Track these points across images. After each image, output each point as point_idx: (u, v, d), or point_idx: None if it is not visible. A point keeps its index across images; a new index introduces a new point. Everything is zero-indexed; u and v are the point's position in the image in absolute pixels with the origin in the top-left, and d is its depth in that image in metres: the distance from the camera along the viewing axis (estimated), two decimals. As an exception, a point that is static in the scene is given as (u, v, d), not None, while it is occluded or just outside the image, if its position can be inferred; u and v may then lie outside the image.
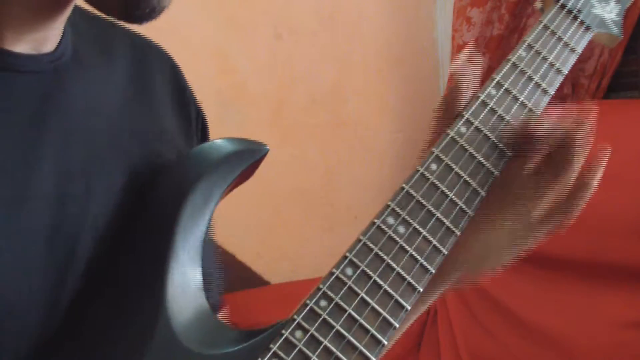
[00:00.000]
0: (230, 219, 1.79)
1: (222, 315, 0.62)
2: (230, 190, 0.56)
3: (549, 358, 1.45)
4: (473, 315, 1.63)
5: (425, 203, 0.53)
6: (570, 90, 1.86)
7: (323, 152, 1.94)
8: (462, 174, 0.55)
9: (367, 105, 2.03)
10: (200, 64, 1.72)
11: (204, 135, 0.67)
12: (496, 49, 1.90)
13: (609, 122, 1.61)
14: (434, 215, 0.53)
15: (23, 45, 0.48)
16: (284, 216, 1.89)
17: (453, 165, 0.55)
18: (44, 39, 0.50)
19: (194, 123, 0.65)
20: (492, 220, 0.58)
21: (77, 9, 0.54)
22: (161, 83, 0.62)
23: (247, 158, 0.56)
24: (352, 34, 1.99)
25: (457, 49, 1.95)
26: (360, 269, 0.50)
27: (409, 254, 0.52)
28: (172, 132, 0.61)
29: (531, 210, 0.57)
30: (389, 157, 2.02)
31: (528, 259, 1.76)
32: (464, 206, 0.54)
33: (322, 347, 0.47)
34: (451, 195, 0.54)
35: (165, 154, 0.58)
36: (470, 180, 0.55)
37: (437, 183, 0.54)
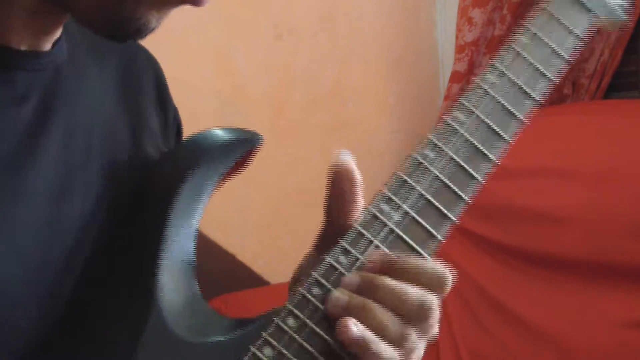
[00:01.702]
0: (231, 220, 1.79)
1: None
2: (225, 180, 0.56)
3: (549, 358, 1.45)
4: (473, 315, 1.63)
5: (419, 189, 0.53)
6: (571, 90, 1.86)
7: (323, 152, 1.94)
8: (458, 160, 0.54)
9: (367, 105, 2.03)
10: (200, 64, 1.72)
11: (179, 136, 0.67)
12: (497, 50, 1.89)
13: (609, 122, 1.61)
14: (428, 200, 0.52)
15: (26, 44, 0.50)
16: (284, 216, 1.89)
17: (448, 151, 0.54)
18: (45, 39, 0.51)
19: (171, 124, 0.65)
20: None
21: None
22: (146, 83, 0.63)
23: (242, 147, 0.56)
24: (352, 34, 1.99)
25: (458, 49, 1.95)
26: (353, 257, 0.50)
27: (404, 241, 0.51)
28: (155, 130, 0.61)
29: None
30: (389, 157, 2.02)
31: (528, 259, 1.76)
32: (459, 192, 0.53)
33: (315, 334, 0.47)
34: (445, 180, 0.53)
35: (150, 151, 0.59)
36: (464, 165, 0.54)
37: (431, 168, 0.53)
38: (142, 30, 0.47)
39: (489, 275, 1.63)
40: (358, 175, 0.52)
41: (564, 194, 1.53)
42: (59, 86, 0.52)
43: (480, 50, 1.94)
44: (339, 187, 0.52)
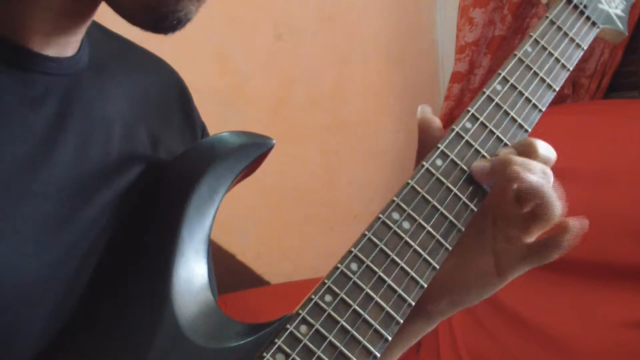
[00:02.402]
0: (231, 219, 1.79)
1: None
2: (236, 183, 0.57)
3: (549, 358, 1.45)
4: (473, 315, 1.63)
5: (430, 199, 0.54)
6: (571, 91, 1.86)
7: (323, 152, 1.94)
8: (466, 169, 0.55)
9: (367, 105, 2.03)
10: (200, 64, 1.72)
11: None
12: (497, 50, 1.89)
13: (609, 122, 1.61)
14: (438, 210, 0.54)
15: (49, 49, 0.50)
16: (284, 216, 1.89)
17: (458, 161, 0.55)
18: (67, 44, 0.52)
19: (199, 139, 0.66)
20: (483, 243, 0.58)
21: (96, 25, 0.56)
22: (173, 100, 0.64)
23: (253, 151, 0.57)
24: (352, 34, 1.99)
25: (459, 49, 1.95)
26: (365, 264, 0.50)
27: (412, 249, 0.52)
28: (181, 146, 0.62)
29: (522, 238, 0.56)
30: (389, 157, 2.02)
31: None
32: (467, 202, 0.55)
33: (327, 342, 0.47)
34: (455, 190, 0.54)
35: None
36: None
37: (442, 179, 0.55)
38: (183, 22, 0.48)
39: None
40: (438, 122, 0.59)
41: (563, 194, 1.53)
42: (78, 91, 0.52)
43: (480, 51, 1.94)
44: (427, 134, 0.58)
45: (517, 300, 1.56)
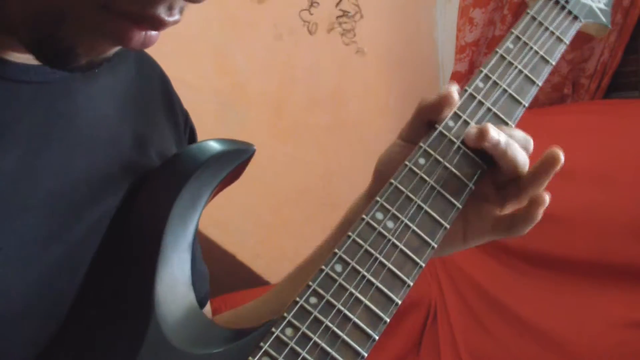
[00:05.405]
0: (231, 219, 1.79)
1: (207, 309, 0.63)
2: (219, 190, 0.57)
3: (549, 358, 1.45)
4: (473, 315, 1.63)
5: (414, 197, 0.54)
6: (571, 91, 1.86)
7: (323, 153, 1.94)
8: (449, 167, 0.55)
9: (367, 105, 2.03)
10: (200, 64, 1.72)
11: (192, 140, 0.68)
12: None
13: (609, 122, 1.61)
14: (422, 209, 0.53)
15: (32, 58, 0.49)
16: (284, 216, 1.89)
17: (441, 159, 0.55)
18: None
19: (182, 128, 0.66)
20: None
21: None
22: (154, 92, 0.63)
23: (235, 158, 0.57)
24: (353, 34, 1.99)
25: (459, 49, 1.95)
26: (350, 266, 0.50)
27: (398, 248, 0.52)
28: (166, 140, 0.61)
29: (494, 212, 0.58)
30: (389, 157, 2.02)
31: (528, 259, 1.75)
32: (452, 199, 0.54)
33: (312, 343, 0.47)
34: (439, 188, 0.54)
35: (157, 161, 0.59)
36: (458, 174, 0.55)
37: (426, 177, 0.54)
38: (95, 63, 0.45)
39: (489, 276, 1.63)
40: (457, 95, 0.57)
41: (564, 194, 1.53)
42: (64, 99, 0.51)
43: (481, 51, 1.94)
44: (430, 110, 0.57)
45: (517, 300, 1.56)
